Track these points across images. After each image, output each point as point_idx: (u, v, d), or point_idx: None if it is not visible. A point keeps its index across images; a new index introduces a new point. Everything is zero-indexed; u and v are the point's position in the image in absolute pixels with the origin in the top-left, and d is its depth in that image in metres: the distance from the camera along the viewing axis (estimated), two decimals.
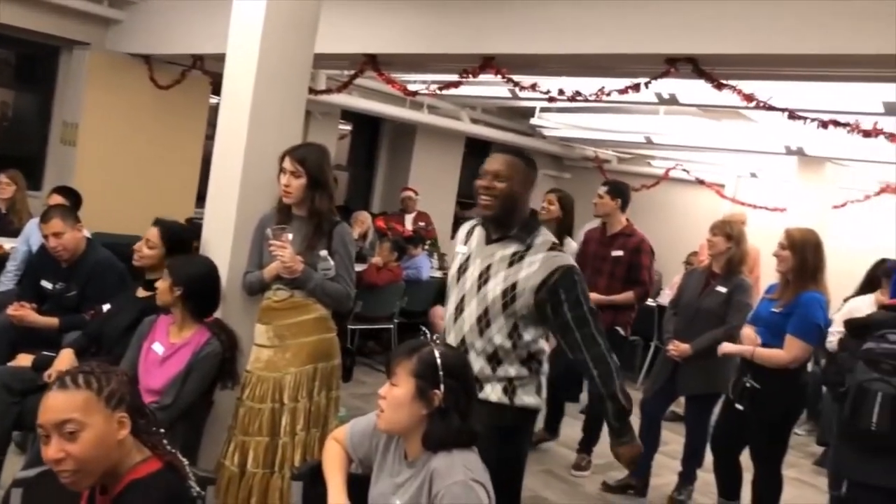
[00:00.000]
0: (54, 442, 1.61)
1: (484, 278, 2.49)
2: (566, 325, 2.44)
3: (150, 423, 1.76)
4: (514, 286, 2.44)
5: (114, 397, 1.66)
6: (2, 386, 3.16)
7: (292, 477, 2.33)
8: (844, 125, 3.80)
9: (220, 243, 3.40)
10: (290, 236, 3.04)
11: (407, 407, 2.00)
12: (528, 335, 2.49)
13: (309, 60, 3.54)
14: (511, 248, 2.49)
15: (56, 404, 1.63)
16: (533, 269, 2.44)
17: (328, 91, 6.19)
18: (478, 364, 2.48)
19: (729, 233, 4.31)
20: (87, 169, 6.72)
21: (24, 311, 3.83)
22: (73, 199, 4.94)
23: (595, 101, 4.74)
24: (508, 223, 2.50)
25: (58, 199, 4.84)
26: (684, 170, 9.44)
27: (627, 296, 4.75)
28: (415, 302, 6.72)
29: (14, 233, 5.08)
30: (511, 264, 2.47)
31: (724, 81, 3.67)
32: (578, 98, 4.86)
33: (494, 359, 2.50)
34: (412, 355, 2.03)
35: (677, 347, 4.33)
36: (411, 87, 5.86)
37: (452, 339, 2.55)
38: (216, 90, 5.86)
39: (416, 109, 8.36)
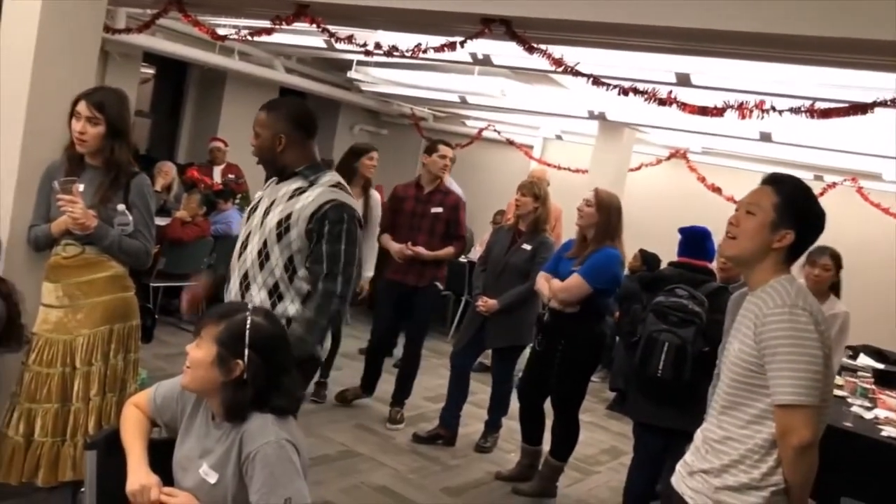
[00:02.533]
0: None
1: (267, 213, 2.62)
2: (318, 256, 2.55)
3: None
4: (288, 216, 2.58)
5: None
6: None
7: (86, 446, 2.17)
8: (643, 93, 4.04)
9: (3, 193, 3.07)
10: (82, 188, 2.80)
11: (204, 370, 1.93)
12: (302, 271, 2.58)
13: None
14: (295, 185, 2.65)
15: None
16: (309, 200, 2.58)
17: (128, 31, 5.72)
18: (258, 298, 2.59)
19: (536, 193, 4.51)
20: None
21: None
22: None
23: (412, 57, 4.72)
24: (278, 166, 2.68)
25: None
26: (496, 130, 9.71)
27: (449, 251, 4.90)
28: (225, 258, 6.46)
29: None
30: (291, 198, 2.61)
31: (536, 45, 3.77)
32: (395, 53, 4.82)
33: (275, 293, 2.59)
34: (221, 321, 1.95)
35: (485, 303, 4.49)
36: (220, 32, 5.55)
37: (235, 277, 2.66)
38: None
39: (227, 55, 7.94)
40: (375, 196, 5.01)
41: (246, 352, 1.91)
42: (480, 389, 5.29)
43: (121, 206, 2.86)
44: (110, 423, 2.74)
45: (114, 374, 2.92)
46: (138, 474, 1.95)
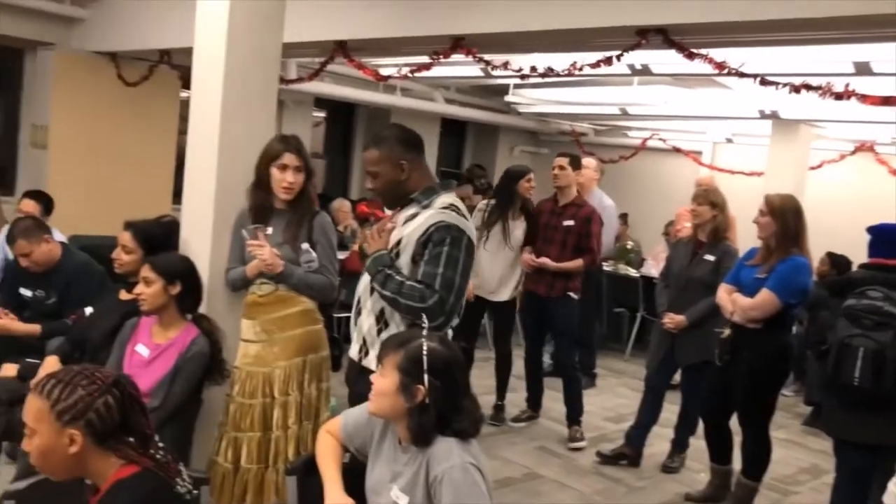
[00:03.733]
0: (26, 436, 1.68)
1: None
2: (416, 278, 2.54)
3: (141, 439, 1.73)
4: (398, 242, 2.60)
5: (67, 413, 1.65)
6: None
7: (287, 471, 2.33)
8: (816, 88, 3.81)
9: (200, 239, 3.37)
10: (270, 231, 3.03)
11: (390, 398, 2.00)
12: None
13: (278, 50, 3.50)
14: (410, 211, 2.66)
15: (27, 406, 1.69)
16: (418, 223, 2.58)
17: (299, 80, 6.13)
18: (367, 324, 2.65)
19: (713, 201, 4.34)
20: (59, 171, 6.63)
21: (5, 321, 3.80)
22: (44, 203, 4.88)
23: (568, 76, 4.73)
24: (404, 194, 2.67)
25: (29, 205, 4.78)
26: (661, 139, 9.46)
27: (577, 263, 4.88)
28: None
29: None
30: (405, 223, 2.64)
31: (695, 50, 3.66)
32: (550, 74, 4.85)
33: (381, 319, 2.63)
34: (400, 348, 2.02)
35: (672, 319, 4.36)
36: (383, 72, 5.81)
37: (354, 302, 2.74)
38: (186, 84, 5.78)
39: (390, 93, 8.30)
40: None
41: (426, 377, 1.97)
42: (664, 408, 5.13)
43: (305, 245, 3.06)
44: (307, 450, 2.91)
45: (308, 402, 3.11)
46: (335, 497, 2.07)
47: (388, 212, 2.95)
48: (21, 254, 3.87)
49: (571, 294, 4.93)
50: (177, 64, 6.40)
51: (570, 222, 4.89)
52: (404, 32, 4.44)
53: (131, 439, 1.72)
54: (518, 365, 5.44)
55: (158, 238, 3.41)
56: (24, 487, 1.89)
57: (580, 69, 4.48)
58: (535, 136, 10.98)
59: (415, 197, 2.66)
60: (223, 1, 3.27)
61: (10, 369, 3.35)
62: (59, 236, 4.37)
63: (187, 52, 3.62)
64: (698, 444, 4.49)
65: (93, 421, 1.66)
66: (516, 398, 5.40)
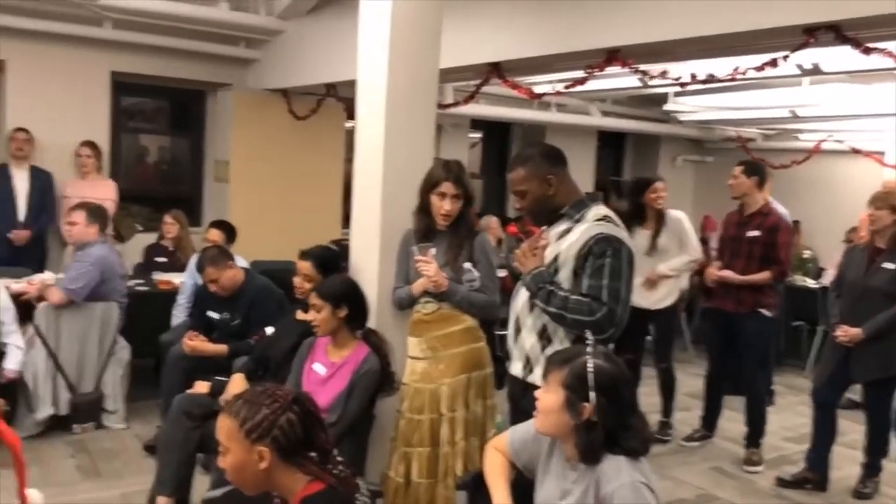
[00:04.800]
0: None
1: None
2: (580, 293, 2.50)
3: (322, 455, 1.83)
4: (556, 258, 2.58)
5: (255, 431, 1.74)
6: (183, 413, 3.40)
7: (457, 486, 2.37)
8: None
9: (368, 261, 3.52)
10: (434, 251, 3.12)
11: (555, 415, 1.99)
12: None
13: (435, 76, 3.61)
14: (562, 226, 2.65)
15: (218, 425, 1.80)
16: (574, 238, 2.55)
17: (456, 104, 6.27)
18: (529, 341, 2.63)
19: (894, 204, 4.03)
20: (239, 202, 7.15)
21: (196, 342, 4.15)
22: (228, 231, 5.28)
23: (730, 81, 4.55)
24: (553, 210, 2.67)
25: (215, 234, 5.18)
26: (837, 140, 8.85)
27: (764, 276, 4.58)
28: None
29: (182, 268, 5.48)
30: (559, 239, 2.62)
31: (872, 45, 3.42)
32: (712, 81, 4.68)
33: (544, 336, 2.61)
34: (565, 365, 2.01)
35: (846, 332, 4.07)
36: (537, 90, 5.85)
37: (511, 321, 2.74)
38: (350, 115, 6.08)
39: (545, 110, 8.32)
40: (671, 222, 4.91)
41: (591, 394, 1.96)
42: (852, 429, 4.78)
43: (468, 265, 3.12)
44: (475, 466, 2.95)
45: (475, 419, 3.16)
46: None
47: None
48: (210, 280, 4.22)
49: (763, 311, 4.61)
50: (342, 96, 6.74)
51: (756, 233, 4.61)
52: (557, 49, 4.45)
53: (313, 454, 1.82)
54: (687, 383, 5.25)
55: (332, 261, 3.61)
56: (220, 495, 2.05)
57: (744, 73, 4.30)
58: (698, 145, 10.61)
59: (565, 212, 2.66)
60: (383, 35, 3.43)
61: (202, 386, 3.63)
62: (242, 262, 4.72)
63: (351, 84, 3.82)
64: (893, 467, 4.14)
65: (278, 437, 1.75)
66: (687, 417, 5.21)
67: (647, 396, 5.04)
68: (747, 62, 4.27)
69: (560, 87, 5.60)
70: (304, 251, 3.66)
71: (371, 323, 3.26)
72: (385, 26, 3.42)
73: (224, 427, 1.78)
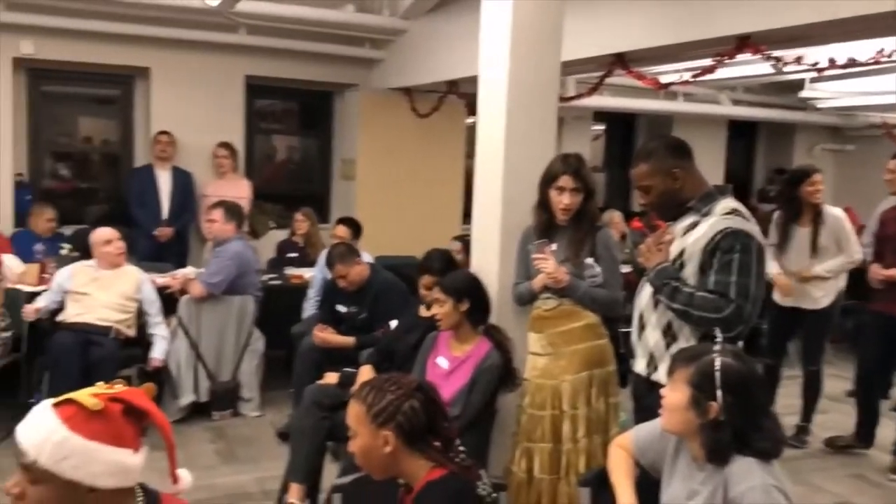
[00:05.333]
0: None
1: None
2: (706, 289, 2.42)
3: (445, 443, 1.88)
4: (681, 253, 2.51)
5: (380, 416, 1.83)
6: (313, 402, 3.54)
7: (579, 483, 2.36)
8: None
9: (489, 257, 3.54)
10: (554, 247, 3.10)
11: (681, 413, 1.95)
12: None
13: (557, 70, 3.58)
14: (689, 220, 2.57)
15: (348, 410, 1.90)
16: (700, 233, 2.47)
17: (578, 96, 6.20)
18: (653, 338, 2.58)
19: None
20: (365, 199, 7.35)
21: (325, 334, 4.31)
22: (354, 228, 5.44)
23: (874, 64, 4.27)
24: (680, 204, 2.61)
25: (342, 230, 5.36)
26: None
27: None
28: None
29: (312, 263, 5.70)
30: (685, 234, 2.54)
31: None
32: (853, 65, 4.41)
33: (669, 333, 2.55)
34: (691, 363, 1.96)
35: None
36: (663, 79, 5.68)
37: (634, 317, 2.70)
38: (472, 111, 6.13)
39: (671, 99, 8.08)
40: (830, 220, 4.57)
41: (718, 393, 1.90)
42: None
43: (589, 260, 3.09)
44: (598, 463, 2.92)
45: (597, 416, 3.13)
46: None
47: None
48: (339, 276, 4.37)
49: None
50: (463, 92, 6.80)
51: None
52: (684, 38, 4.31)
53: (437, 443, 1.87)
54: (832, 385, 4.97)
55: (452, 263, 3.68)
56: (349, 482, 2.13)
57: (889, 56, 4.02)
58: (838, 133, 10.02)
59: (692, 205, 2.58)
60: (504, 30, 3.43)
61: (331, 377, 3.76)
62: (368, 257, 4.85)
63: (472, 80, 3.85)
64: None
65: (402, 423, 1.83)
66: (825, 420, 4.94)
67: (784, 398, 4.82)
68: (892, 44, 3.99)
69: (687, 75, 5.42)
70: (426, 264, 3.75)
71: (492, 318, 3.28)
72: (506, 21, 3.42)
73: (353, 412, 1.88)
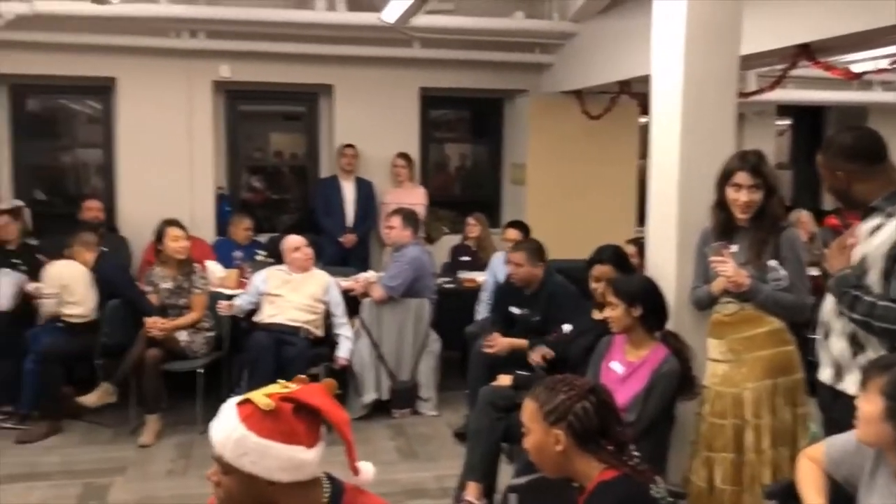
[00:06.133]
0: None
1: None
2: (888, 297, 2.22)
3: (618, 447, 1.88)
4: (864, 259, 2.35)
5: (552, 414, 1.87)
6: (488, 403, 3.62)
7: (765, 495, 2.27)
8: None
9: (665, 260, 3.47)
10: (734, 248, 2.98)
11: (876, 425, 1.83)
12: None
13: (735, 66, 3.45)
14: (874, 221, 2.40)
15: (523, 407, 1.96)
16: (885, 236, 2.30)
17: (759, 91, 5.90)
18: (838, 347, 2.42)
19: None
20: (535, 203, 7.38)
21: (497, 339, 4.38)
22: (523, 231, 5.49)
23: None
24: (854, 203, 2.51)
25: (512, 233, 5.43)
26: None
27: None
28: None
29: (483, 267, 5.81)
30: (870, 235, 2.38)
31: None
32: None
33: (855, 342, 2.38)
34: (885, 372, 1.84)
35: None
36: (855, 69, 5.29)
37: (819, 323, 2.56)
38: (644, 111, 6.00)
39: (865, 89, 7.50)
40: None
41: None
42: None
43: (773, 262, 2.94)
44: (784, 475, 2.78)
45: (783, 427, 2.97)
46: None
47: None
48: (515, 263, 4.47)
49: None
50: (635, 92, 6.67)
51: None
52: (879, 22, 4.00)
53: (609, 447, 1.88)
54: None
55: (626, 259, 3.63)
56: (525, 482, 2.17)
57: None
58: None
59: (877, 204, 2.41)
60: (678, 27, 3.36)
61: (505, 379, 3.83)
62: None
63: (645, 80, 3.78)
64: None
65: (573, 423, 1.86)
66: None
67: None
68: None
69: (884, 63, 5.03)
70: (596, 256, 3.71)
71: (670, 323, 3.21)
72: (680, 18, 3.34)
73: (527, 409, 1.93)
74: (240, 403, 1.50)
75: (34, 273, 5.19)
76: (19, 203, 6.52)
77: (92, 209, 6.28)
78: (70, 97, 7.39)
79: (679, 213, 3.40)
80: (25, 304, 5.08)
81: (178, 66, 6.71)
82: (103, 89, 6.92)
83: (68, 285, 4.87)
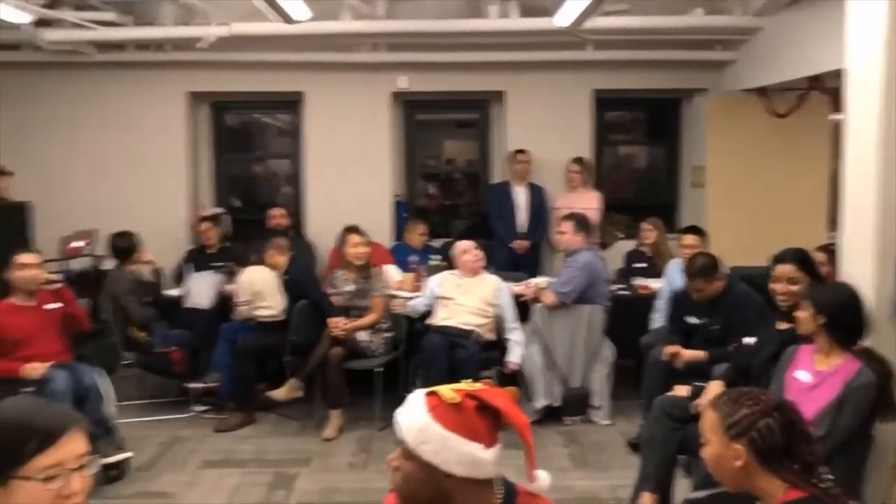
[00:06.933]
0: None
1: None
2: None
3: (805, 467, 1.77)
4: None
5: (733, 428, 1.78)
6: (663, 413, 3.51)
7: None
8: None
9: (861, 268, 3.22)
10: None
11: None
12: None
13: None
14: None
15: (703, 416, 1.89)
16: None
17: None
18: None
19: None
20: (716, 207, 7.06)
21: (676, 349, 4.23)
22: (701, 237, 5.27)
23: None
24: None
25: (690, 239, 5.22)
26: None
27: None
28: None
29: (659, 273, 5.64)
30: None
31: None
32: None
33: None
34: None
35: None
36: None
37: None
38: (836, 107, 5.58)
39: None
40: None
41: None
42: None
43: None
44: None
45: None
46: None
47: None
48: (696, 290, 4.27)
49: None
50: (827, 87, 6.24)
51: None
52: None
53: (795, 466, 1.77)
54: None
55: (812, 261, 3.42)
56: (703, 497, 2.09)
57: None
58: None
59: None
60: (878, 17, 3.10)
61: (681, 390, 3.70)
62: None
63: (837, 74, 3.53)
64: None
65: (755, 439, 1.77)
66: None
67: None
68: None
69: None
70: (779, 256, 3.51)
71: (869, 336, 2.96)
72: (881, 7, 3.09)
73: (707, 419, 1.86)
74: (427, 394, 1.57)
75: (231, 275, 5.66)
76: (219, 210, 7.12)
77: (276, 216, 6.76)
78: (263, 111, 7.98)
79: (877, 218, 3.14)
80: (223, 302, 5.55)
81: (361, 78, 7.06)
82: (292, 103, 7.40)
83: (259, 291, 5.28)
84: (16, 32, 6.06)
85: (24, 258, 4.20)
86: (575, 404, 5.08)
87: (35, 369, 3.99)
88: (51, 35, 6.17)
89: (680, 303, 4.58)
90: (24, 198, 6.18)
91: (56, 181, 6.84)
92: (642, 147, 8.26)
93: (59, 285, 4.33)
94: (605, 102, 7.47)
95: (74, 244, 6.18)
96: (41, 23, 6.02)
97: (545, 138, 7.08)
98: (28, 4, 5.53)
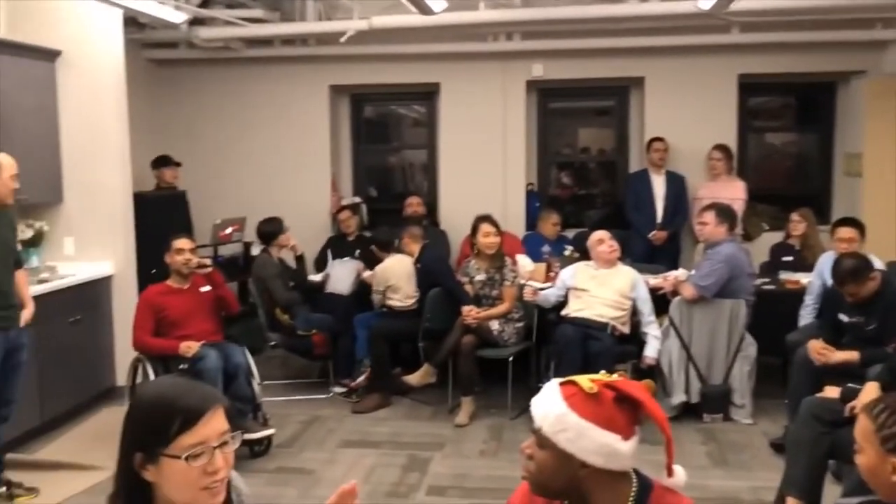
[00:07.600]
0: None
1: None
2: None
3: None
4: None
5: (890, 441, 1.67)
6: (812, 416, 3.32)
7: None
8: None
9: None
10: None
11: None
12: None
13: None
14: None
15: (857, 421, 1.80)
16: None
17: None
18: None
19: None
20: (873, 197, 6.58)
21: (826, 354, 3.96)
22: (858, 229, 4.92)
23: None
24: None
25: (845, 232, 4.88)
26: None
27: None
28: None
29: (809, 267, 5.33)
30: None
31: None
32: None
33: None
34: None
35: None
36: None
37: None
38: None
39: None
40: None
41: None
42: None
43: None
44: None
45: None
46: None
47: None
48: (848, 294, 3.98)
49: None
50: None
51: None
52: None
53: None
54: None
55: None
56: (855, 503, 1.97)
57: None
58: None
59: None
60: None
61: (832, 391, 3.48)
62: (877, 263, 4.35)
63: None
64: None
65: None
66: None
67: None
68: None
69: None
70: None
71: None
72: None
73: (861, 425, 1.76)
74: (563, 383, 1.55)
75: (369, 262, 5.84)
76: (358, 200, 7.34)
77: (412, 205, 6.88)
78: (399, 103, 8.13)
79: None
80: (360, 289, 5.74)
81: (495, 67, 7.05)
82: (428, 94, 7.50)
83: (393, 284, 5.44)
84: (174, 31, 6.46)
85: (180, 243, 4.49)
86: (715, 401, 4.89)
87: (190, 348, 4.27)
88: (205, 33, 6.53)
89: (832, 299, 4.31)
90: (182, 187, 6.61)
91: (209, 171, 7.24)
92: (791, 134, 7.81)
93: (210, 269, 4.59)
94: (748, 87, 7.11)
95: (225, 231, 6.54)
96: (195, 21, 6.39)
97: (686, 126, 6.83)
98: (184, 4, 5.88)
